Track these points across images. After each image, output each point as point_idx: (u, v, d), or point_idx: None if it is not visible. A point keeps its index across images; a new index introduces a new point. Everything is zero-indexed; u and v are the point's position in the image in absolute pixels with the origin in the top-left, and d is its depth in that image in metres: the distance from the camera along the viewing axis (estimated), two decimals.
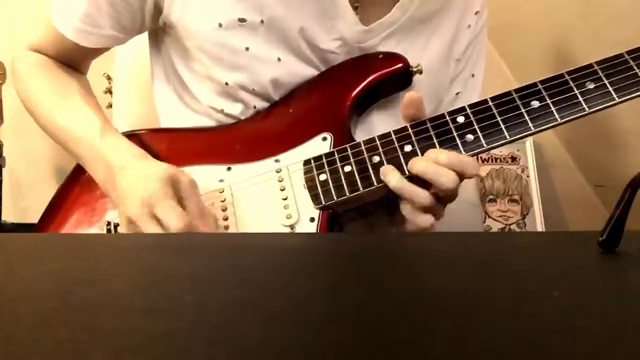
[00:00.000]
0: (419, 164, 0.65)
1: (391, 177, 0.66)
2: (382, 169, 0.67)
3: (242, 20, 0.72)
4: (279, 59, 0.74)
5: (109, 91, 1.61)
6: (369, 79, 0.75)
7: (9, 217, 1.63)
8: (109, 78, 1.61)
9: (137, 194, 0.65)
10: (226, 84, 0.75)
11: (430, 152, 0.66)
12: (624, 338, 0.21)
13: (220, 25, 0.72)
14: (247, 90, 0.75)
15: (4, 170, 1.59)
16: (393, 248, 0.44)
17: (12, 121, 1.59)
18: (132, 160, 0.70)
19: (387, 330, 0.21)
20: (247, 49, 0.73)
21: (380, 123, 0.77)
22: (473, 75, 0.85)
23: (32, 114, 0.80)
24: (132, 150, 0.72)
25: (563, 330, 0.21)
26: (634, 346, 0.20)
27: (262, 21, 0.72)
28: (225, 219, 0.70)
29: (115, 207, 0.71)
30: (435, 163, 0.64)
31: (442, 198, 0.65)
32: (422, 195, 0.64)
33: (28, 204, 1.74)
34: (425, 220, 0.65)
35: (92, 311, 0.23)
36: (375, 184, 0.67)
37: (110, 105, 1.50)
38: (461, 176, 0.64)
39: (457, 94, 0.84)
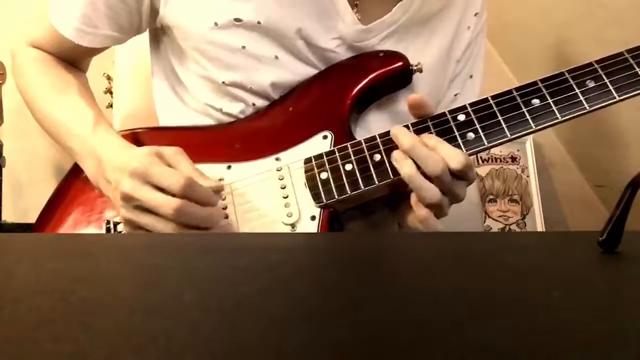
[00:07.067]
0: (406, 139, 0.65)
1: (404, 164, 0.65)
2: (394, 154, 0.66)
3: (238, 20, 0.72)
4: (276, 57, 0.74)
5: (109, 91, 1.61)
6: (369, 77, 0.75)
7: (9, 217, 1.63)
8: (109, 78, 1.62)
9: (125, 170, 0.64)
10: (223, 83, 0.75)
11: (425, 136, 0.66)
12: (624, 338, 0.21)
13: (215, 24, 0.72)
14: (245, 89, 0.75)
15: (4, 170, 1.59)
16: (393, 247, 0.44)
17: (12, 121, 1.59)
18: (119, 151, 0.70)
19: (387, 330, 0.21)
20: (243, 47, 0.73)
21: (379, 121, 0.78)
22: (471, 77, 0.86)
23: (30, 108, 0.81)
24: (122, 143, 0.72)
25: (563, 330, 0.21)
26: (634, 346, 0.20)
27: (258, 22, 0.72)
28: (226, 217, 0.70)
29: (110, 203, 0.70)
30: (423, 144, 0.64)
31: (447, 195, 0.65)
32: (431, 190, 0.63)
33: (28, 204, 1.74)
34: (431, 219, 0.65)
35: (92, 311, 0.23)
36: (377, 182, 0.67)
37: (110, 105, 1.51)
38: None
39: (455, 95, 0.84)
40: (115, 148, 0.70)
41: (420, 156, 0.64)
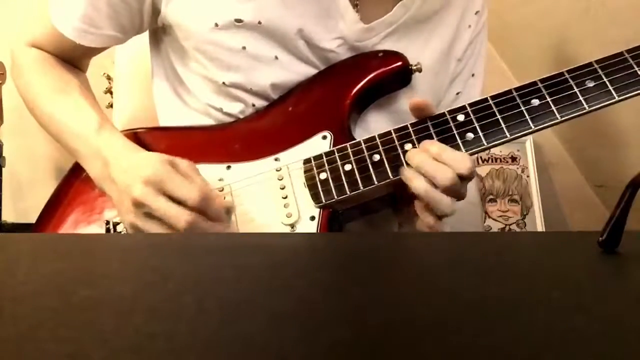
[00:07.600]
0: (417, 157, 0.65)
1: (417, 183, 0.65)
2: (405, 174, 0.66)
3: (238, 21, 0.72)
4: (276, 58, 0.74)
5: (109, 91, 1.61)
6: (369, 77, 0.75)
7: (9, 217, 1.63)
8: (109, 78, 1.62)
9: (138, 175, 0.64)
10: (223, 83, 0.75)
11: (426, 143, 0.66)
12: (624, 338, 0.21)
13: (216, 25, 0.72)
14: (245, 90, 0.75)
15: (4, 170, 1.59)
16: (393, 248, 0.44)
17: (12, 121, 1.59)
18: (126, 152, 0.70)
19: (387, 329, 0.21)
20: (243, 48, 0.73)
21: (378, 121, 0.78)
22: (473, 75, 0.85)
23: (30, 109, 0.80)
24: (127, 144, 0.71)
25: (563, 330, 0.21)
26: (634, 346, 0.20)
27: (259, 22, 0.72)
28: None
29: (113, 204, 0.70)
30: (433, 158, 0.64)
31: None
32: (445, 203, 0.64)
33: (28, 204, 1.75)
34: (438, 225, 0.65)
35: (92, 311, 0.23)
36: (376, 182, 0.67)
37: (110, 105, 1.51)
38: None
39: (457, 94, 0.84)
40: (121, 149, 0.70)
41: (429, 171, 0.64)
